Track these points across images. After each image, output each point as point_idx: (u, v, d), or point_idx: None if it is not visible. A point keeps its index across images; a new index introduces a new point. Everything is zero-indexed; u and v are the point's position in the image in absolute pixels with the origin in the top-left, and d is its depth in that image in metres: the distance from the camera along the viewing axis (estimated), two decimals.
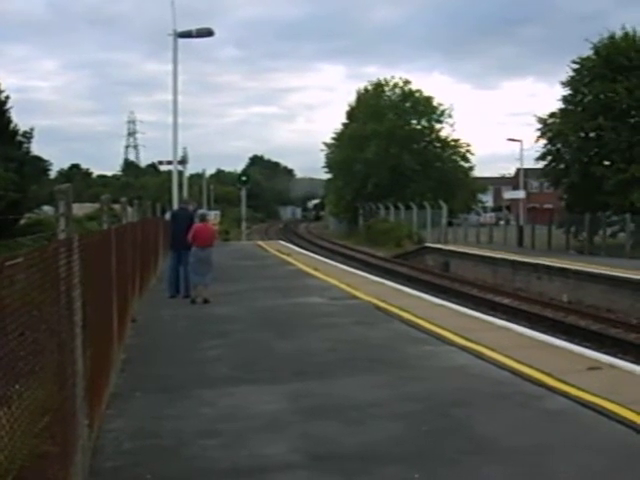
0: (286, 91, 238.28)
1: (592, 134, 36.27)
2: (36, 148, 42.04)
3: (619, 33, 36.18)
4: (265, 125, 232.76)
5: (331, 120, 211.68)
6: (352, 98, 71.29)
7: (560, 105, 38.16)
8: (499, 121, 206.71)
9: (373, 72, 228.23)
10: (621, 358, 11.10)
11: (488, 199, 78.46)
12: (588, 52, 36.91)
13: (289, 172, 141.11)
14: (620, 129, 34.67)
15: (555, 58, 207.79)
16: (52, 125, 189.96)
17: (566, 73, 37.55)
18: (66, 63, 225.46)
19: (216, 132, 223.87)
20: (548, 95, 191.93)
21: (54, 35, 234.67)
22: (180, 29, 27.92)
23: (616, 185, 33.73)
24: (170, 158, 31.05)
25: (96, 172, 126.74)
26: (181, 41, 28.09)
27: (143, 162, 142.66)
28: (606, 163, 35.64)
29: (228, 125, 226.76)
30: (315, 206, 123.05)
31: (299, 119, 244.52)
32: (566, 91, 37.61)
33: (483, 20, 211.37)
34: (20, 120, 38.91)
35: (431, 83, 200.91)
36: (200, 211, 16.64)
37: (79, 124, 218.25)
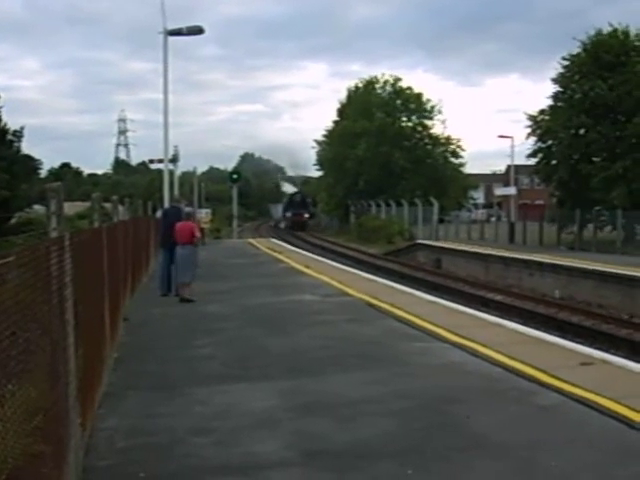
0: (270, 89, 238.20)
1: (581, 131, 36.39)
2: (25, 147, 41.89)
3: (607, 30, 36.33)
4: (252, 123, 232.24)
5: (317, 118, 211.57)
6: (338, 96, 71.73)
7: (549, 102, 38.33)
8: (485, 118, 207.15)
9: (356, 70, 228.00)
10: (613, 353, 11.12)
11: (479, 196, 78.66)
12: (571, 49, 37.13)
13: (280, 169, 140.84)
14: (604, 126, 34.80)
15: (537, 55, 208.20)
16: (39, 124, 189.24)
17: (555, 69, 37.70)
18: (48, 62, 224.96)
19: (204, 130, 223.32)
20: (533, 92, 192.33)
21: (33, 34, 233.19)
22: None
23: (601, 182, 33.88)
24: (160, 156, 31.02)
25: (87, 171, 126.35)
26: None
27: (133, 161, 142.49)
28: (596, 159, 35.79)
29: (215, 123, 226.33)
30: (297, 199, 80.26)
31: (285, 117, 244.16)
32: (556, 88, 37.74)
33: (465, 17, 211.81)
34: (6, 119, 38.71)
35: (415, 81, 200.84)
36: (186, 209, 16.57)
37: (66, 123, 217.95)
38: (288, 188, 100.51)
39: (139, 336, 11.43)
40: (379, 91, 64.23)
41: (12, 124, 38.96)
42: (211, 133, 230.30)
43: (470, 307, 15.00)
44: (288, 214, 77.43)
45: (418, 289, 18.80)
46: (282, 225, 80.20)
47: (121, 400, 7.59)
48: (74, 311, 5.36)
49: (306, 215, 75.53)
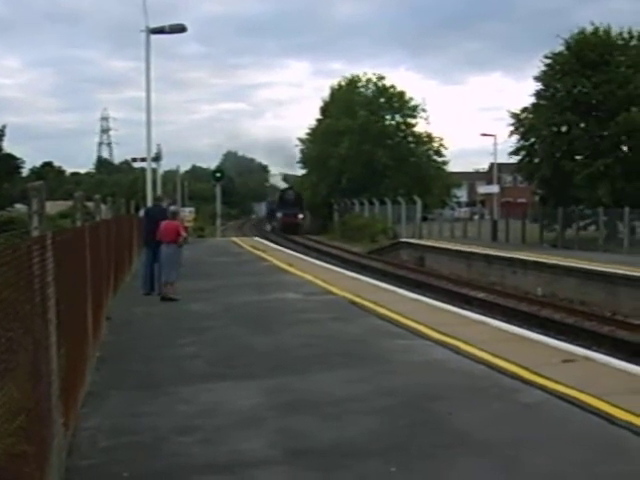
0: (253, 87, 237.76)
1: (564, 129, 36.56)
2: (7, 146, 41.68)
3: (589, 29, 36.52)
4: (235, 122, 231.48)
5: (300, 116, 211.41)
6: (320, 94, 71.50)
7: (532, 100, 38.49)
8: (468, 116, 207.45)
9: (338, 68, 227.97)
10: (595, 350, 11.19)
11: (462, 194, 78.89)
12: (554, 47, 37.33)
13: (264, 168, 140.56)
14: (588, 124, 34.99)
15: (519, 54, 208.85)
16: (21, 123, 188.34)
17: (538, 68, 37.84)
18: (29, 60, 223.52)
19: (187, 129, 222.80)
20: (516, 90, 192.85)
21: (14, 32, 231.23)
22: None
23: (584, 179, 34.06)
24: (143, 155, 30.91)
25: (69, 170, 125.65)
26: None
27: (116, 159, 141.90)
28: (578, 157, 35.96)
29: (198, 122, 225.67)
30: (289, 197, 66.41)
31: (268, 115, 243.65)
32: (539, 86, 37.88)
33: (447, 15, 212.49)
34: None
35: (397, 79, 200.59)
36: (171, 208, 16.53)
37: (48, 122, 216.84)
38: (275, 183, 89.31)
39: (122, 335, 11.38)
40: (362, 89, 64.29)
41: None
42: (194, 131, 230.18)
43: (453, 305, 15.06)
44: (278, 214, 65.38)
45: (401, 287, 18.83)
46: (268, 227, 69.14)
47: (104, 399, 7.55)
48: (56, 310, 5.33)
49: (300, 216, 64.33)
